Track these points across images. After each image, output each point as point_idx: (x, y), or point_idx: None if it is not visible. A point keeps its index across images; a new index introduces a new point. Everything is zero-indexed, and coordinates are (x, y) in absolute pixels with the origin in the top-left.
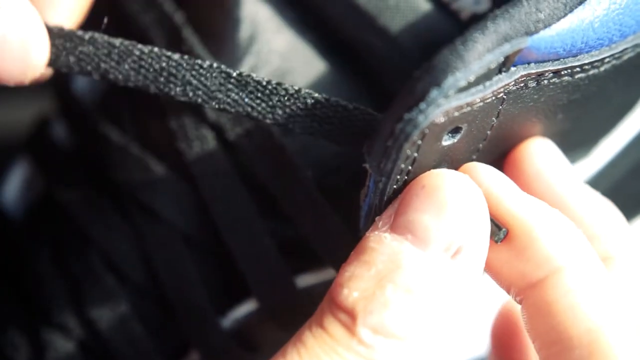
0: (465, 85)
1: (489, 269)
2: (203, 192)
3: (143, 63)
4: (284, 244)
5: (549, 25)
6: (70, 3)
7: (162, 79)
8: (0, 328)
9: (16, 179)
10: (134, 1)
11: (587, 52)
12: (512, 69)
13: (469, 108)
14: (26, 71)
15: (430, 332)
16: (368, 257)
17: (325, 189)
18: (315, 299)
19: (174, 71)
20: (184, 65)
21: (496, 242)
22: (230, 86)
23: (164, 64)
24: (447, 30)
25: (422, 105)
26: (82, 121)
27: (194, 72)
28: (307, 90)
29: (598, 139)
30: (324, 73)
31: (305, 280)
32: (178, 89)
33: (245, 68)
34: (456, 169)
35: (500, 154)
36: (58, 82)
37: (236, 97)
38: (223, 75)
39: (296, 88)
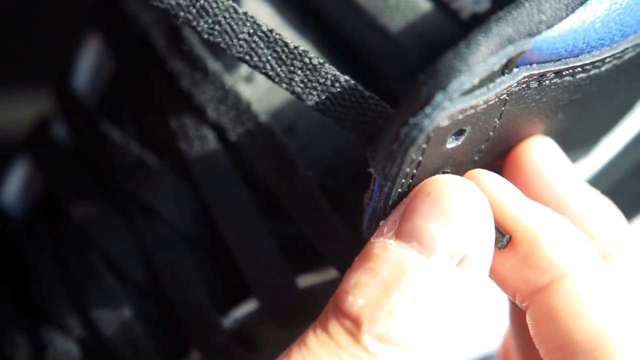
0: (469, 88)
1: (494, 275)
2: (204, 192)
3: None
4: (284, 244)
5: (551, 26)
6: None
7: (193, 10)
8: (0, 328)
9: (16, 179)
10: (134, 1)
11: (588, 52)
12: (515, 70)
13: (472, 110)
14: None
15: (435, 341)
16: (373, 264)
17: (326, 188)
18: (316, 299)
19: (207, 6)
20: (219, 3)
21: (500, 248)
22: (256, 38)
23: None
24: (447, 30)
25: (428, 109)
26: (82, 121)
27: (226, 14)
28: (330, 67)
29: (598, 138)
30: None
31: (306, 280)
32: (206, 25)
33: (245, 67)
34: (459, 171)
35: (500, 154)
36: (58, 81)
37: (259, 52)
38: (254, 26)
39: (321, 61)
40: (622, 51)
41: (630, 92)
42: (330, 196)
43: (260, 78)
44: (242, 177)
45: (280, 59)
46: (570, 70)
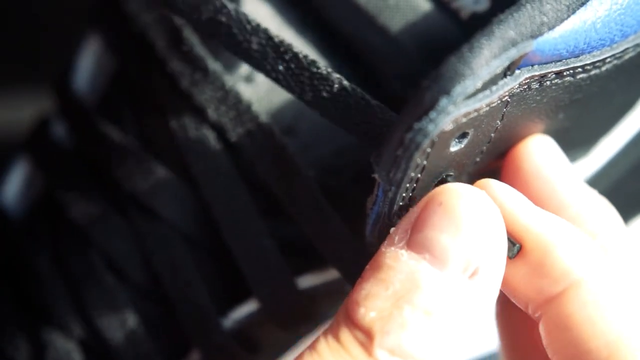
0: (473, 91)
1: (505, 286)
2: (204, 192)
3: None
4: (285, 244)
5: (553, 27)
6: None
7: (207, 21)
8: (0, 328)
9: (16, 179)
10: (134, 1)
11: (589, 52)
12: (517, 72)
13: (475, 113)
14: None
15: (447, 354)
16: (384, 274)
17: (327, 189)
18: (316, 300)
19: (220, 17)
20: (234, 16)
21: (510, 257)
22: (268, 49)
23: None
24: (447, 30)
25: (432, 114)
26: (82, 121)
27: (239, 24)
28: (338, 76)
29: (598, 138)
30: None
31: (306, 280)
32: (220, 35)
33: (244, 68)
34: (462, 173)
35: (500, 154)
36: (58, 81)
37: (271, 62)
38: (265, 36)
39: (329, 70)
40: (622, 51)
41: (630, 92)
42: (331, 196)
43: (260, 78)
44: (243, 177)
45: (290, 68)
46: (571, 71)
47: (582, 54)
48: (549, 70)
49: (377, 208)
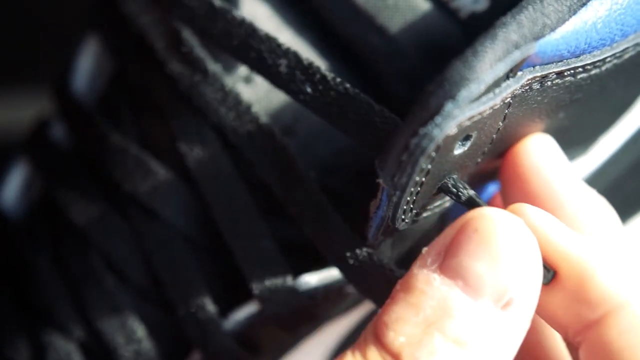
0: (477, 95)
1: (542, 312)
2: (204, 193)
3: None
4: (285, 245)
5: (555, 29)
6: None
7: (235, 43)
8: (0, 328)
9: (15, 180)
10: (133, 2)
11: (589, 52)
12: (519, 73)
13: (479, 116)
14: None
15: None
16: (416, 299)
17: (327, 189)
18: (317, 300)
19: (249, 40)
20: (264, 39)
21: (544, 284)
22: (297, 71)
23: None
24: (446, 29)
25: (438, 119)
26: (81, 122)
27: (267, 45)
28: (365, 97)
29: (597, 136)
30: None
31: (307, 281)
32: (248, 56)
33: (244, 69)
34: (464, 174)
35: (500, 154)
36: (57, 82)
37: (299, 84)
38: (294, 58)
39: (356, 91)
40: (622, 50)
41: (629, 91)
42: (330, 196)
43: (259, 79)
44: (243, 178)
45: (317, 90)
46: (572, 71)
47: (583, 54)
48: (550, 71)
49: (381, 212)
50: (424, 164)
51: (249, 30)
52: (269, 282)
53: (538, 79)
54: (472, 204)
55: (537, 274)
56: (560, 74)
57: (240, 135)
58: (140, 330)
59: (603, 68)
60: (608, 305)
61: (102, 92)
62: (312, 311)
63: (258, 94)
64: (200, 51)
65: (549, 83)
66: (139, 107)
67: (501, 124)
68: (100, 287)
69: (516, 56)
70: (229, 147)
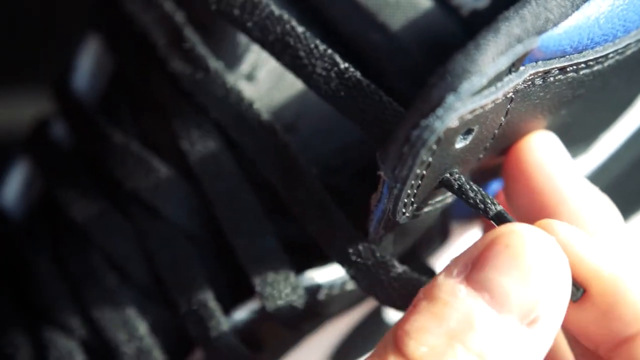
0: (479, 88)
1: (574, 328)
2: (206, 191)
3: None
4: (288, 243)
5: (558, 24)
6: None
7: (278, 45)
8: (0, 328)
9: (16, 180)
10: (134, 1)
11: (592, 48)
12: (521, 68)
13: (481, 110)
14: None
15: None
16: (439, 309)
17: (329, 187)
18: (320, 298)
19: (289, 40)
20: (302, 39)
21: (573, 301)
22: (332, 74)
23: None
24: (448, 27)
25: (439, 111)
26: (81, 121)
27: (306, 49)
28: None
29: (599, 134)
30: None
31: (309, 279)
32: (287, 57)
33: (245, 66)
34: (465, 169)
35: (502, 151)
36: (57, 82)
37: (332, 86)
38: (330, 62)
39: (390, 100)
40: (624, 46)
41: (631, 88)
42: (333, 194)
43: (261, 76)
44: (245, 176)
45: (352, 96)
46: (574, 67)
47: (586, 49)
48: (553, 66)
49: (381, 205)
50: (425, 156)
51: (288, 28)
52: (272, 279)
53: (540, 74)
54: (501, 219)
55: (566, 294)
56: (562, 70)
57: (242, 132)
58: (142, 328)
59: (605, 64)
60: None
61: (102, 91)
62: (315, 308)
63: (260, 91)
64: (201, 49)
65: (552, 79)
66: (140, 106)
67: (503, 119)
68: (102, 286)
69: (518, 50)
70: (230, 144)
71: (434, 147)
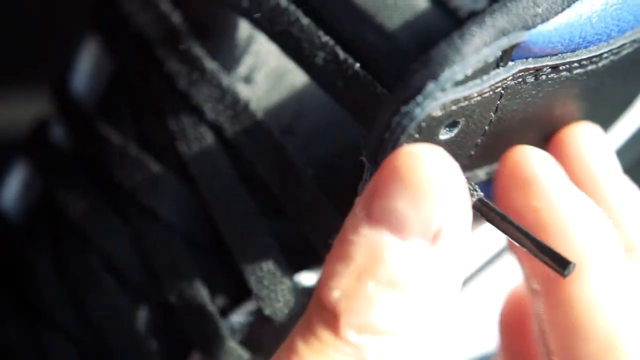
0: (462, 78)
1: (516, 252)
2: (203, 192)
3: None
4: (285, 243)
5: (547, 19)
6: None
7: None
8: (0, 328)
9: (15, 181)
10: (131, 1)
11: (585, 47)
12: (510, 63)
13: (466, 102)
14: None
15: (421, 324)
16: (346, 250)
17: (326, 187)
18: None
19: (292, 30)
20: (305, 29)
21: (565, 276)
22: (332, 66)
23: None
24: (446, 28)
25: (419, 98)
26: (80, 122)
27: (310, 40)
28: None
29: None
30: None
31: (306, 279)
32: (287, 47)
33: (243, 68)
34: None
35: (500, 150)
36: (56, 82)
37: (330, 76)
38: (331, 52)
39: (363, 73)
40: (619, 47)
41: (627, 89)
42: (330, 195)
43: (259, 79)
44: (241, 177)
45: (348, 86)
46: (567, 65)
47: (578, 48)
48: (544, 64)
49: None
50: (406, 143)
51: (293, 19)
52: (269, 281)
53: (532, 71)
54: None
55: (461, 202)
56: (555, 68)
57: (238, 133)
58: (140, 329)
59: (600, 64)
60: (576, 260)
61: (101, 92)
62: None
63: (257, 94)
64: (198, 49)
65: (544, 77)
66: (138, 107)
67: (493, 115)
68: (100, 287)
69: (503, 42)
70: (227, 145)
71: (416, 135)
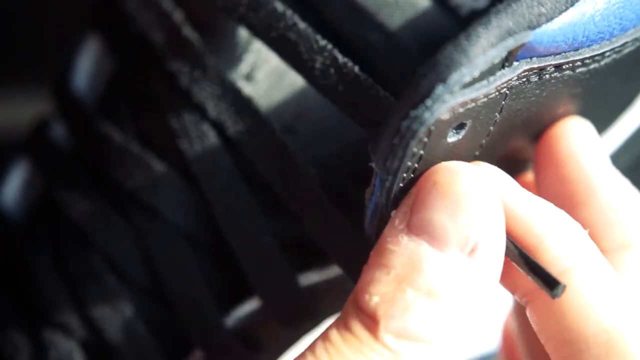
0: (470, 81)
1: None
2: (204, 191)
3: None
4: (286, 242)
5: (551, 19)
6: None
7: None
8: (0, 328)
9: (16, 180)
10: (132, 0)
11: (588, 46)
12: (515, 63)
13: (473, 104)
14: None
15: (454, 333)
16: (386, 259)
17: (328, 186)
18: (318, 297)
19: (289, 35)
20: (303, 34)
21: (554, 297)
22: (332, 70)
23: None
24: (447, 27)
25: (428, 102)
26: (81, 121)
27: (307, 45)
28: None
29: (598, 134)
30: None
31: (308, 278)
32: (285, 52)
33: (244, 66)
34: None
35: (502, 149)
36: (57, 81)
37: (332, 81)
38: (330, 57)
39: (387, 94)
40: (621, 45)
41: (629, 87)
42: (331, 194)
43: (260, 77)
44: (243, 175)
45: (349, 90)
46: (570, 64)
47: (581, 47)
48: (548, 63)
49: (375, 199)
50: (416, 148)
51: (290, 23)
52: (270, 279)
53: (535, 71)
54: None
55: (498, 217)
56: (558, 67)
57: (240, 131)
58: (141, 329)
59: (602, 62)
60: (557, 268)
61: (102, 92)
62: (313, 308)
63: (259, 92)
64: (200, 47)
65: (547, 76)
66: (139, 106)
67: (498, 116)
68: (101, 286)
69: (510, 43)
70: (229, 143)
71: (425, 139)
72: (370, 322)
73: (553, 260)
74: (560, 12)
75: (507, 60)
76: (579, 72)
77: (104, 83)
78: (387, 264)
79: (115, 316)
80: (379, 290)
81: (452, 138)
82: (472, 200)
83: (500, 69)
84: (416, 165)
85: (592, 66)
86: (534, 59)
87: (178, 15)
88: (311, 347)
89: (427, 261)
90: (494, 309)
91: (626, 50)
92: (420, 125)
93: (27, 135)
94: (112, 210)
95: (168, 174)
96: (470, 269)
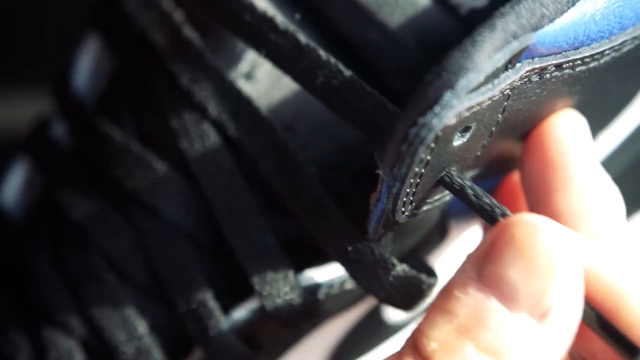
0: (476, 85)
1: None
2: (205, 190)
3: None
4: (287, 241)
5: (554, 20)
6: None
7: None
8: (0, 328)
9: (16, 180)
10: (132, 0)
11: (588, 44)
12: (518, 65)
13: (478, 107)
14: None
15: None
16: (451, 305)
17: (329, 186)
18: (319, 297)
19: (270, 35)
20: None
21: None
22: (314, 66)
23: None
24: (446, 25)
25: (437, 109)
26: (81, 121)
27: (288, 44)
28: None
29: (596, 132)
30: None
31: (308, 277)
32: (266, 51)
33: (244, 65)
34: (463, 167)
35: (500, 149)
36: (57, 81)
37: (316, 77)
38: (313, 55)
39: (374, 91)
40: (620, 43)
41: (628, 85)
42: (332, 193)
43: (260, 76)
44: (244, 175)
45: (347, 95)
46: (571, 63)
47: (582, 46)
48: (549, 63)
49: (381, 204)
50: (424, 154)
51: (271, 24)
52: (270, 278)
53: (537, 70)
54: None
55: (577, 284)
56: (559, 67)
57: (240, 131)
58: (141, 328)
59: (602, 61)
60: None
61: (102, 91)
62: (314, 307)
63: (259, 90)
64: (200, 47)
65: (548, 75)
66: (139, 106)
67: (500, 117)
68: (101, 285)
69: (515, 46)
70: (229, 142)
71: (432, 145)
72: None
73: (634, 323)
74: (562, 13)
75: (510, 62)
76: (579, 71)
77: (104, 83)
78: (451, 310)
79: (115, 315)
80: (438, 336)
81: (458, 142)
82: (552, 261)
83: (503, 72)
84: (423, 170)
85: (591, 65)
86: (536, 59)
87: (178, 15)
88: None
89: (493, 317)
90: None
91: (625, 49)
92: (428, 132)
93: (27, 135)
94: (112, 209)
95: (168, 174)
96: (538, 334)
